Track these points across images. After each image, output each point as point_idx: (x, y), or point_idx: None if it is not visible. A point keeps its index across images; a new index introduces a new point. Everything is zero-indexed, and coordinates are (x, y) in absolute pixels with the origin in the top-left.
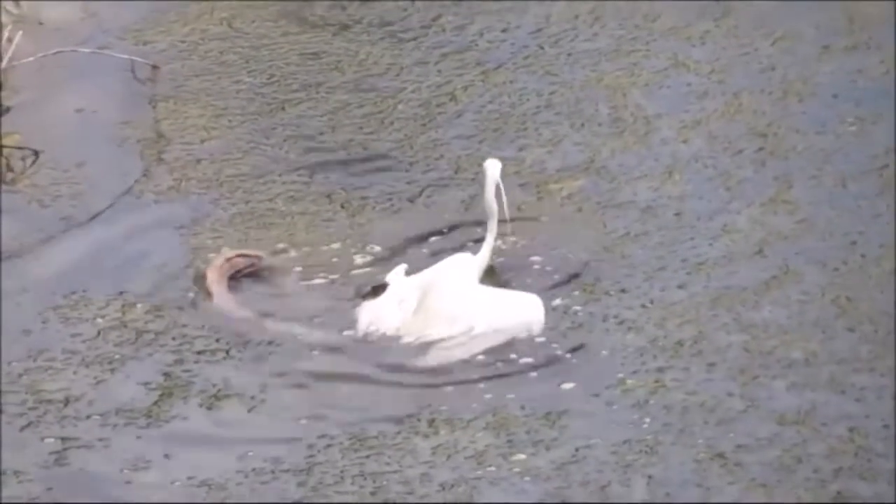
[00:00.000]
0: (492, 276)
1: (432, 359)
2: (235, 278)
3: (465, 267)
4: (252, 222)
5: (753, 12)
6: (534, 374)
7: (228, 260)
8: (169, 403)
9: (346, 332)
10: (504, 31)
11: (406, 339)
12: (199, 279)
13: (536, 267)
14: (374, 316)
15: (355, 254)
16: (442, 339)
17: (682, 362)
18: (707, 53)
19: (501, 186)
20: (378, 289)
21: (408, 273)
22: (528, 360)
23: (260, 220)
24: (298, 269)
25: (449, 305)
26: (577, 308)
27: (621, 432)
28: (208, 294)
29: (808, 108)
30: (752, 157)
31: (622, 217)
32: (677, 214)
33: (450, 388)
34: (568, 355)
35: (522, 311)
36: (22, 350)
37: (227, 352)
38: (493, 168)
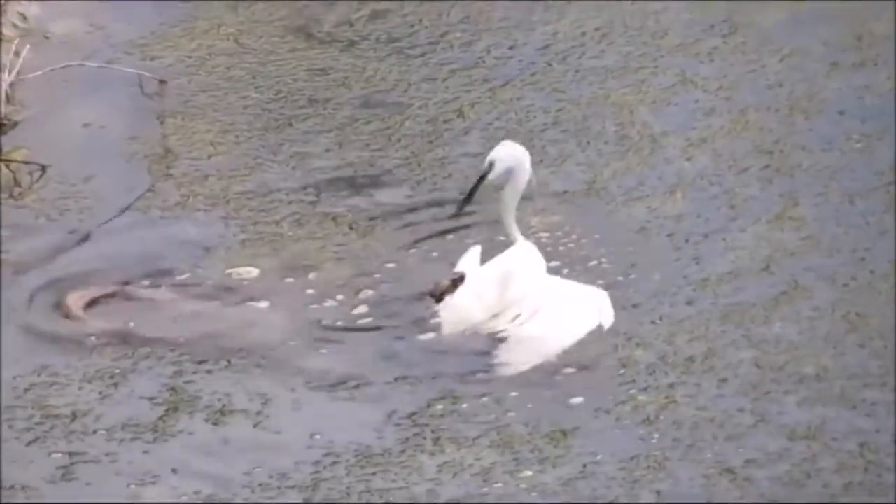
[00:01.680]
0: None
1: (525, 356)
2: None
3: (532, 257)
4: (260, 243)
5: (761, 29)
6: (541, 390)
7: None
8: (175, 418)
9: (349, 344)
10: (511, 47)
11: (491, 332)
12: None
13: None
14: (459, 315)
15: (363, 275)
16: (531, 336)
17: (693, 378)
18: (714, 70)
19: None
20: (457, 281)
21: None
22: (535, 376)
23: (270, 245)
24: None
25: (533, 298)
26: None
27: (630, 448)
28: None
29: (815, 125)
30: (758, 175)
31: (625, 234)
32: (681, 232)
33: (454, 406)
34: (576, 371)
35: (596, 302)
36: (27, 365)
37: (229, 361)
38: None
